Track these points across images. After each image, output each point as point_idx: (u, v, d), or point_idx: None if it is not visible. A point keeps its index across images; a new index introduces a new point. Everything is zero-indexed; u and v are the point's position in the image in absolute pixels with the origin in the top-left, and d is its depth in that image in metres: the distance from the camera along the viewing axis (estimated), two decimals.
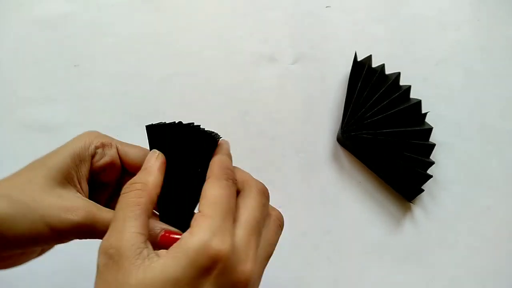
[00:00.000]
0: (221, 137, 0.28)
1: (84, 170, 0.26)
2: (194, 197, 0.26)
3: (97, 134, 0.28)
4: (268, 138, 0.45)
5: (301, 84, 0.47)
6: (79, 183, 0.26)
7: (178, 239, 0.22)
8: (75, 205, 0.24)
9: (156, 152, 0.26)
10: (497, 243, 0.44)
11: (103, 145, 0.27)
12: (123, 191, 0.24)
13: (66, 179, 0.25)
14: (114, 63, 0.47)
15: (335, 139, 0.46)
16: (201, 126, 0.27)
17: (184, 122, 0.28)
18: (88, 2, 0.49)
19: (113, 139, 0.28)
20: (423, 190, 0.43)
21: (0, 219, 0.23)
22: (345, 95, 0.45)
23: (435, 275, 0.43)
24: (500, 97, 0.47)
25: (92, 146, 0.27)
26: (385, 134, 0.42)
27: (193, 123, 0.27)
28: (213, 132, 0.28)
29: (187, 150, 0.27)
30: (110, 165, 0.28)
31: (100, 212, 0.25)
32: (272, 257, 0.40)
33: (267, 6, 0.49)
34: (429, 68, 0.47)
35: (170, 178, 0.26)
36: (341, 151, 0.45)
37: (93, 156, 0.27)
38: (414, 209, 0.44)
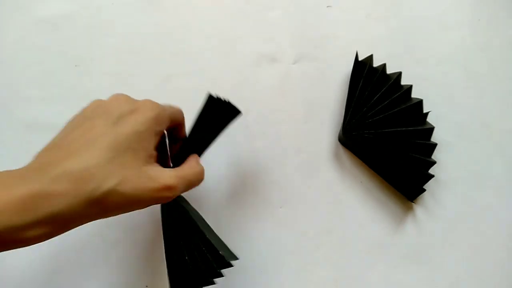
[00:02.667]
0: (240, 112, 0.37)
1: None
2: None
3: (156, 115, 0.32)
4: (269, 138, 0.45)
5: (302, 84, 0.47)
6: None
7: None
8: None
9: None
10: (499, 242, 0.44)
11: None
12: None
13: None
14: (115, 63, 0.47)
15: (337, 139, 0.45)
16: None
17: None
18: (89, 2, 0.49)
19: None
20: (424, 190, 0.42)
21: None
22: (346, 95, 0.44)
23: (436, 274, 0.43)
24: (501, 97, 0.47)
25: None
26: (386, 133, 0.42)
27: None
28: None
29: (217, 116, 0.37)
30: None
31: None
32: (272, 256, 0.40)
33: (267, 6, 0.49)
34: (430, 67, 0.47)
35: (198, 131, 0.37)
36: (342, 151, 0.45)
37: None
38: (415, 209, 0.44)
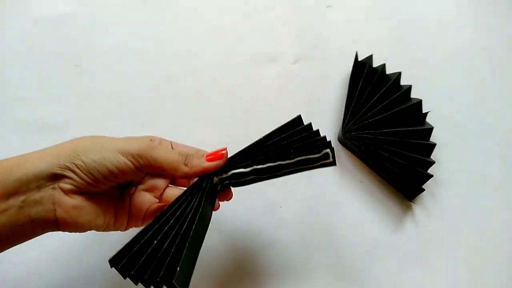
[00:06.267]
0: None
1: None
2: None
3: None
4: None
5: (302, 83, 0.47)
6: None
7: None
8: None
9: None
10: (497, 242, 0.44)
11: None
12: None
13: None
14: (114, 63, 0.47)
15: (336, 139, 0.46)
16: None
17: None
18: (88, 3, 0.49)
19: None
20: (423, 190, 0.43)
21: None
22: (346, 95, 0.45)
23: (435, 274, 0.43)
24: (500, 97, 0.47)
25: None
26: (386, 133, 0.42)
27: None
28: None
29: None
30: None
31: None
32: (272, 256, 0.39)
33: (268, 6, 0.49)
34: (429, 68, 0.48)
35: None
36: (342, 151, 0.45)
37: None
38: (414, 209, 0.44)
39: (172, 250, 0.28)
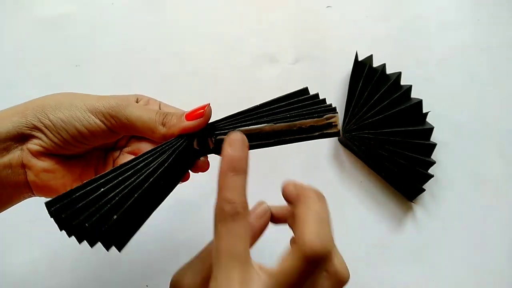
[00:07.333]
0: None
1: None
2: None
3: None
4: None
5: (302, 84, 0.46)
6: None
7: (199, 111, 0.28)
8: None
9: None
10: (497, 242, 0.44)
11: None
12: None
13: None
14: (115, 63, 0.47)
15: (336, 139, 0.46)
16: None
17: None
18: (89, 3, 0.49)
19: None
20: (424, 190, 0.43)
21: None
22: (346, 95, 0.45)
23: (436, 274, 0.43)
24: (500, 97, 0.47)
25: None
26: (386, 133, 0.42)
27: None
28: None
29: None
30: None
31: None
32: (271, 257, 0.39)
33: (268, 6, 0.49)
34: (430, 68, 0.48)
35: None
36: (342, 151, 0.45)
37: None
38: (415, 209, 0.44)
39: (117, 198, 0.25)
